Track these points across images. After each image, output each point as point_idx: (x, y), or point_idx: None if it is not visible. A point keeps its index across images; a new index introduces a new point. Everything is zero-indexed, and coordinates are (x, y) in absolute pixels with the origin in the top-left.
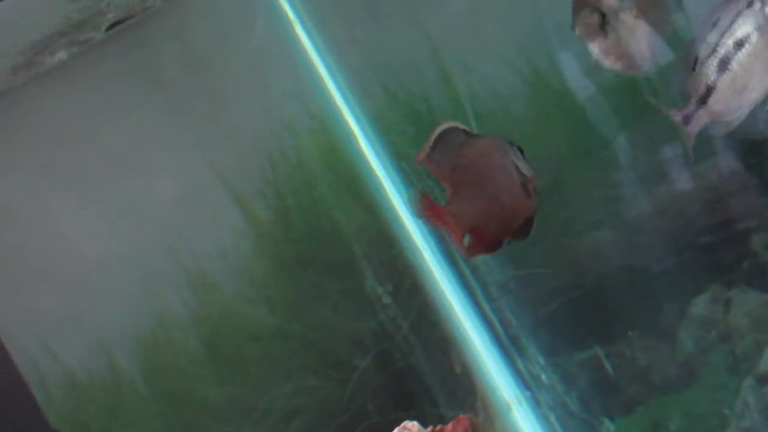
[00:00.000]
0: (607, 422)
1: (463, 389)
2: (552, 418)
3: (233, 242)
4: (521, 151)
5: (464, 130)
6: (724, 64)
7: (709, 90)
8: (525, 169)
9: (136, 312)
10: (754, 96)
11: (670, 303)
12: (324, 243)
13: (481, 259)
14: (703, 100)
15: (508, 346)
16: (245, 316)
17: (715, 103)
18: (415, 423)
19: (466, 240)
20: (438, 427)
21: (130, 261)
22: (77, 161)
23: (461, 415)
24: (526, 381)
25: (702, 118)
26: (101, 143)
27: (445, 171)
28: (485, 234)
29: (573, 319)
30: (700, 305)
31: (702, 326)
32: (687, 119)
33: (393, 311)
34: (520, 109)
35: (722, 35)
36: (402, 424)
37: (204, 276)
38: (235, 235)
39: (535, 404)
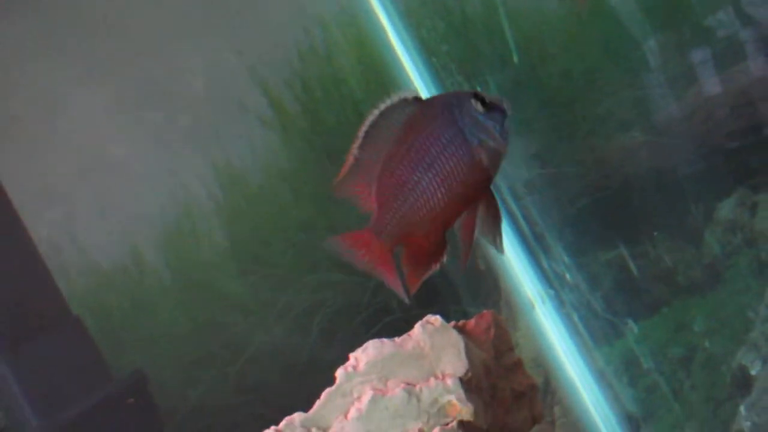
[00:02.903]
0: (630, 323)
1: (486, 287)
2: (575, 317)
3: (261, 134)
4: (483, 102)
5: (415, 98)
6: None
7: None
8: (481, 130)
9: (162, 203)
10: None
11: (697, 205)
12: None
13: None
14: None
15: (533, 244)
16: (271, 208)
17: None
18: (438, 317)
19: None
20: (461, 322)
21: (158, 152)
22: (108, 51)
23: (485, 311)
24: (550, 280)
25: None
26: (132, 33)
27: (370, 176)
28: (422, 240)
29: (599, 219)
30: (727, 209)
31: (728, 229)
32: None
33: None
34: (552, 9)
35: None
36: (424, 318)
37: (231, 168)
38: (263, 128)
39: (559, 303)
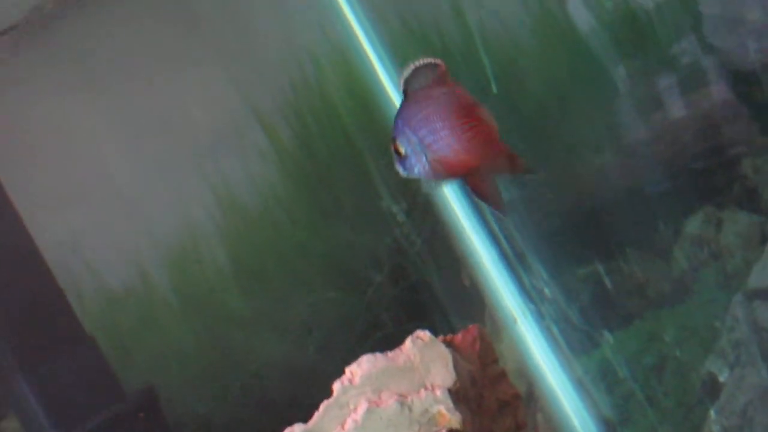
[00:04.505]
0: (606, 334)
1: (471, 302)
2: (554, 329)
3: (258, 162)
4: None
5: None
6: None
7: None
8: None
9: (167, 228)
10: None
11: (666, 223)
12: (343, 165)
13: None
14: None
15: (514, 261)
16: (269, 232)
17: None
18: (427, 332)
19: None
20: (449, 336)
21: (161, 179)
22: (112, 85)
23: (470, 326)
24: (530, 295)
25: None
26: (135, 69)
27: None
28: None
29: (575, 236)
30: (694, 225)
31: (695, 245)
32: None
33: (407, 228)
34: (527, 41)
35: None
36: (414, 333)
37: (231, 194)
38: (259, 156)
39: (539, 317)
